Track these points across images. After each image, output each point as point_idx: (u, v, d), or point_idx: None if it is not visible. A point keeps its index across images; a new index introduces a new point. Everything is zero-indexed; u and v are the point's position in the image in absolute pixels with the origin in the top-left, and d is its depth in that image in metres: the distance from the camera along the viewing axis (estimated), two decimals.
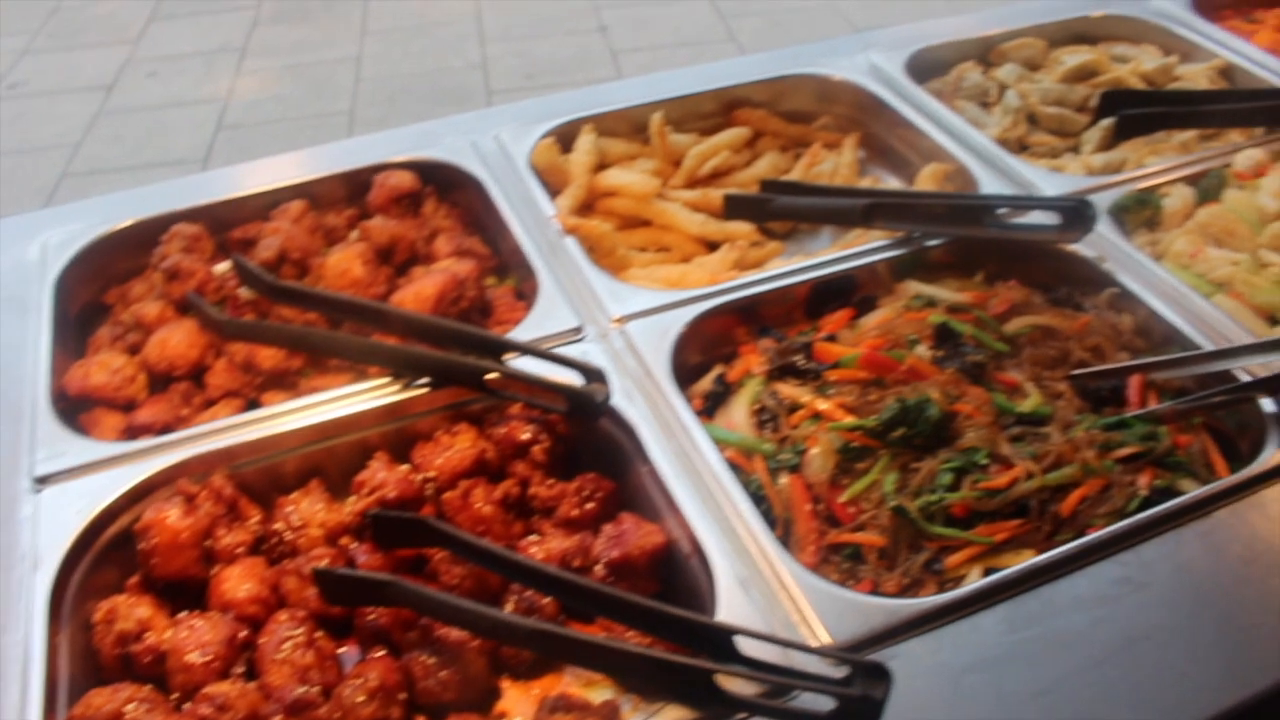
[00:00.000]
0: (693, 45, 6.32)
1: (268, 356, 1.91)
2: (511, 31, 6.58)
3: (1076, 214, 1.98)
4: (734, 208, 2.22)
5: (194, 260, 2.05)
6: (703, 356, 1.96)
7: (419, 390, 1.80)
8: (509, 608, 1.58)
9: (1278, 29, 2.84)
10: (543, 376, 1.74)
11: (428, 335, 1.83)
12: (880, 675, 1.29)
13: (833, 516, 1.67)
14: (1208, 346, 1.84)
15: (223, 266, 2.06)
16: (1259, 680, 1.39)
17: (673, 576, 1.62)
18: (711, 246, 2.29)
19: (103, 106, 6.02)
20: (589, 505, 1.70)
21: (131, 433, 1.85)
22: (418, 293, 1.95)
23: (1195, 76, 2.65)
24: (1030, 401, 1.81)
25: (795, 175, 2.46)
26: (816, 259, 2.07)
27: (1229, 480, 1.64)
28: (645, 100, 2.54)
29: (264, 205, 2.25)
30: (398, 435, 1.81)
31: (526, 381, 1.75)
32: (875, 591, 1.58)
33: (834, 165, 2.45)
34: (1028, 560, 1.55)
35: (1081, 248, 2.05)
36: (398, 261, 2.14)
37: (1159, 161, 2.35)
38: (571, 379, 1.74)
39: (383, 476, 1.69)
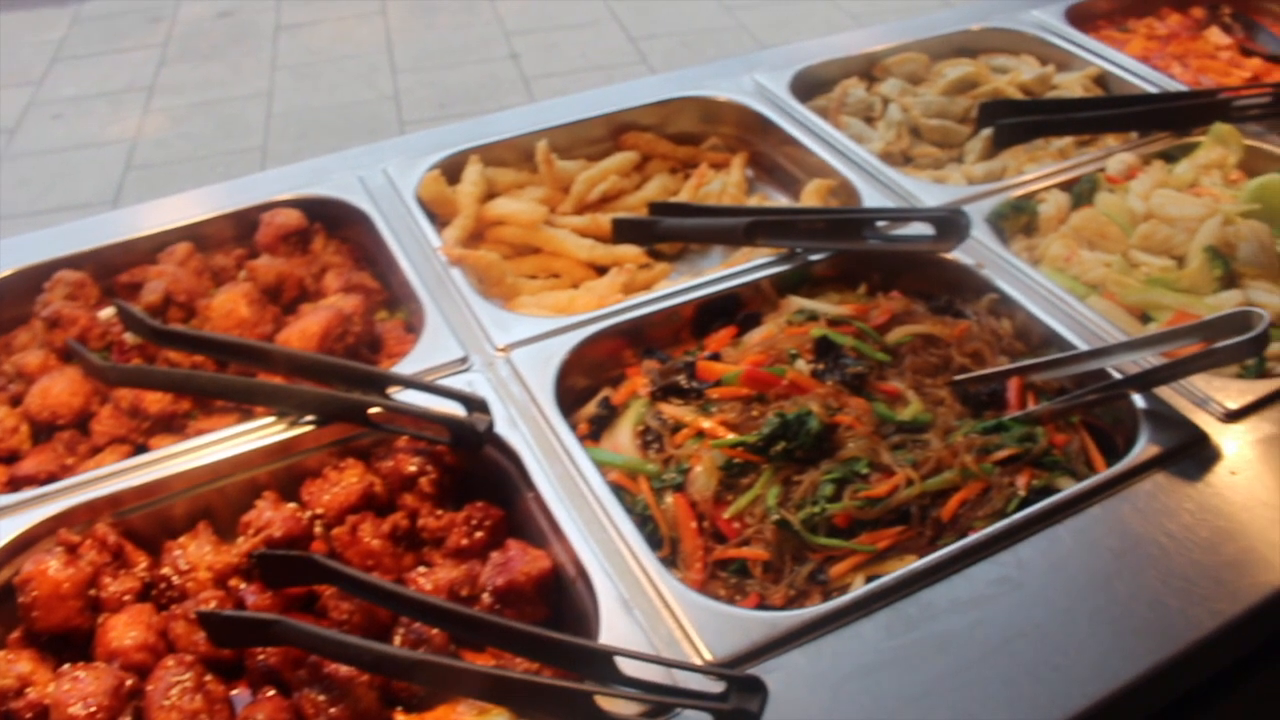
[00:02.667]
0: (605, 69, 6.36)
1: (154, 401, 1.89)
2: (423, 62, 6.58)
3: (950, 224, 2.02)
4: (622, 231, 2.25)
5: (76, 307, 2.03)
6: (590, 381, 1.97)
7: (305, 428, 1.79)
8: (398, 640, 1.58)
9: (1149, 38, 2.94)
10: (425, 408, 1.74)
11: (311, 372, 1.82)
12: (756, 688, 1.32)
13: (718, 533, 1.69)
14: (1083, 347, 1.88)
15: (107, 312, 2.04)
16: (1128, 671, 1.42)
17: (562, 601, 1.63)
18: (602, 271, 2.31)
19: (5, 150, 5.92)
20: (478, 534, 1.70)
21: (15, 484, 1.82)
22: (302, 330, 1.94)
23: (1071, 85, 2.73)
24: (911, 409, 1.84)
25: (683, 196, 2.48)
26: (701, 279, 2.09)
27: (1101, 476, 1.68)
28: (535, 128, 2.55)
29: (151, 248, 2.23)
30: (287, 473, 1.80)
31: (409, 414, 1.75)
32: (762, 605, 1.60)
33: (722, 185, 2.48)
34: (907, 566, 1.57)
35: (960, 255, 2.10)
36: (286, 300, 2.13)
37: (1036, 169, 2.41)
38: (454, 409, 1.74)
39: (269, 516, 1.68)
